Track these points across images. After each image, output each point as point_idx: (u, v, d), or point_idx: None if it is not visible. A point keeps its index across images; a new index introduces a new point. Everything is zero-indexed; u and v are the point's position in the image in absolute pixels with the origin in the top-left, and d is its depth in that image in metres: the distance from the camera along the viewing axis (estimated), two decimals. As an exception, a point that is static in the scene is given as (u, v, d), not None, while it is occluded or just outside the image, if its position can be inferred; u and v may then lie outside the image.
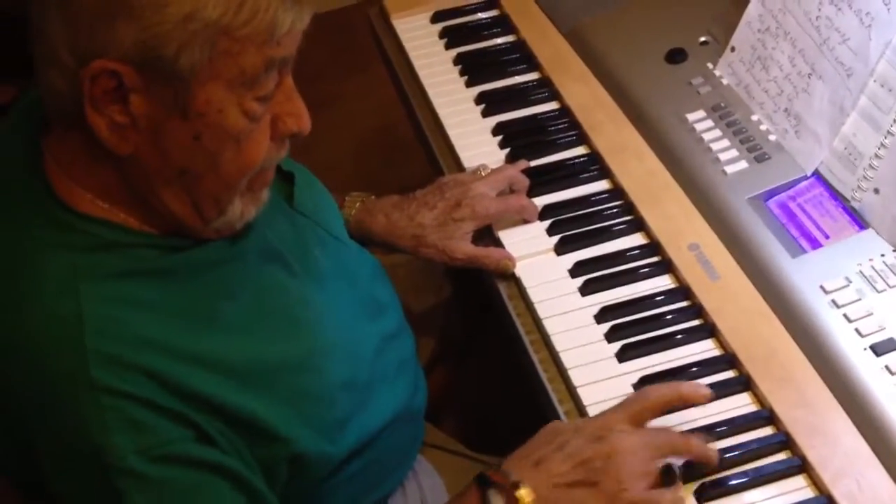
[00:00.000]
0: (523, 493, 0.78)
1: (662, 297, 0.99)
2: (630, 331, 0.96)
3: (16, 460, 0.77)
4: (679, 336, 0.95)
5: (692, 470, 0.84)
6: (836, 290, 0.92)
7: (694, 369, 0.92)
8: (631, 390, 0.91)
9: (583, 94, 1.21)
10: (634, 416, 0.83)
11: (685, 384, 0.86)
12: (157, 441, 0.71)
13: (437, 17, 1.37)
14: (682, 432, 0.84)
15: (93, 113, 0.69)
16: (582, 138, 1.18)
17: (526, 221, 1.09)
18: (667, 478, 0.81)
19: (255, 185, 0.78)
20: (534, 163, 1.16)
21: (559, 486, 0.79)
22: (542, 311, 1.01)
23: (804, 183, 1.03)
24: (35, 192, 0.74)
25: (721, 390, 0.90)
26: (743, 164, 1.06)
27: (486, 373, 1.27)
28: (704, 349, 0.95)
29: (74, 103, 0.69)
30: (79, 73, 0.68)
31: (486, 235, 1.10)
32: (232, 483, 0.75)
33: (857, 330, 0.89)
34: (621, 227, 1.07)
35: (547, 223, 1.09)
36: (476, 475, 0.82)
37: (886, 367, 0.86)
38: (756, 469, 0.85)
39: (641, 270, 1.02)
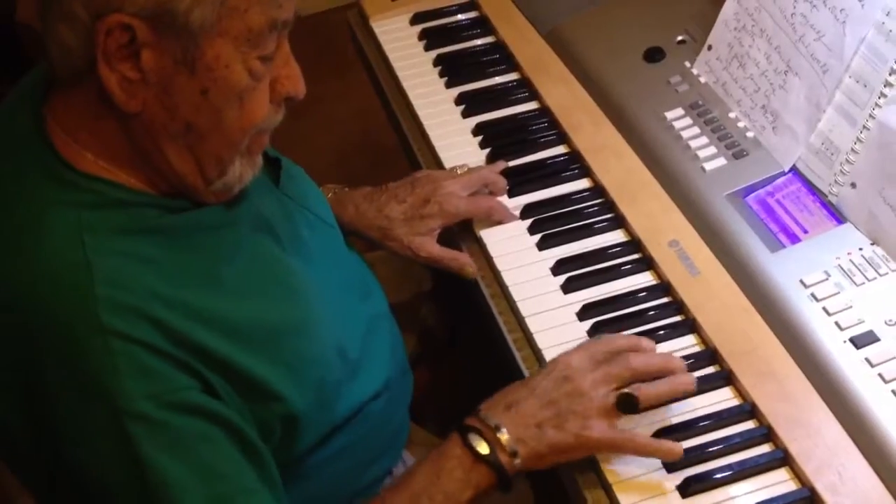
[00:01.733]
0: (502, 434, 0.83)
1: (644, 293, 1.00)
2: (612, 327, 0.96)
3: (27, 441, 0.77)
4: (661, 332, 0.96)
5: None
6: (815, 284, 0.93)
7: (676, 365, 0.93)
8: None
9: (562, 94, 1.22)
10: (596, 356, 0.87)
11: (644, 339, 0.91)
12: (166, 387, 0.72)
13: (416, 19, 1.37)
14: (642, 356, 0.88)
15: (105, 68, 0.71)
16: (562, 138, 1.18)
17: (500, 222, 1.09)
18: (626, 405, 0.84)
19: (254, 147, 0.80)
20: (514, 162, 1.16)
21: (530, 427, 0.84)
22: (524, 309, 1.01)
23: (782, 178, 1.04)
24: (38, 152, 0.76)
25: (703, 385, 0.90)
26: (721, 161, 1.07)
27: (469, 370, 1.27)
28: (686, 345, 0.95)
29: (84, 59, 0.71)
30: (93, 27, 0.69)
31: (468, 234, 1.10)
32: (232, 436, 0.76)
33: (836, 323, 0.90)
34: (602, 224, 1.08)
35: (528, 222, 1.09)
36: (457, 425, 0.85)
37: (866, 360, 0.87)
38: (739, 462, 0.85)
39: (622, 267, 1.03)
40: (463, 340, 1.30)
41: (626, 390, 0.85)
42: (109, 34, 0.69)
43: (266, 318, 0.80)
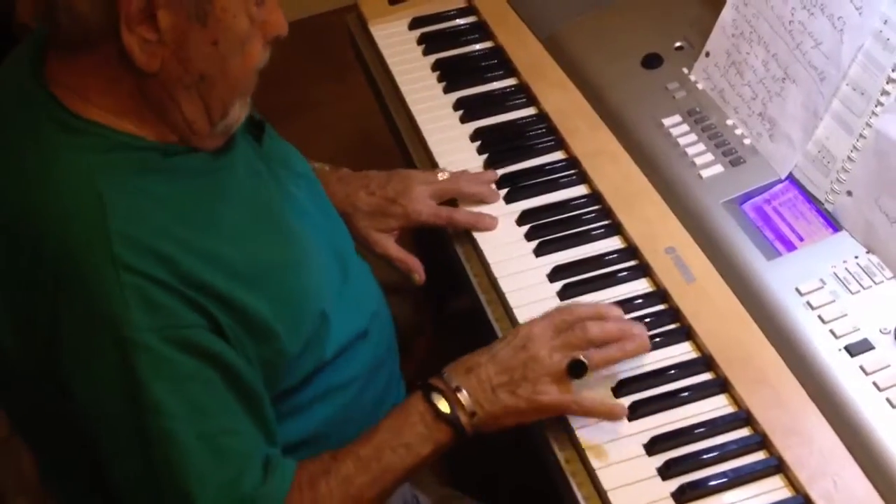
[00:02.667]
0: (462, 396, 0.87)
1: (640, 300, 1.00)
2: (608, 334, 0.96)
3: (25, 364, 0.80)
4: (657, 339, 0.96)
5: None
6: (810, 292, 0.93)
7: (671, 372, 0.93)
8: (609, 393, 0.91)
9: (560, 99, 1.22)
10: (558, 325, 0.90)
11: (609, 307, 0.94)
12: (171, 323, 0.76)
13: (414, 24, 1.37)
14: (598, 323, 0.90)
15: (127, 34, 0.74)
16: (559, 143, 1.18)
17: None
18: (575, 370, 0.87)
19: (249, 87, 0.85)
20: (512, 168, 1.16)
21: (486, 390, 0.88)
22: (520, 315, 1.01)
23: (779, 186, 1.05)
24: (43, 105, 0.79)
25: (699, 392, 0.91)
26: (718, 168, 1.07)
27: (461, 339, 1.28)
28: (682, 352, 0.95)
29: (99, 26, 0.74)
30: None
31: (465, 238, 1.10)
32: (228, 378, 0.79)
33: (831, 331, 0.90)
34: (599, 231, 1.08)
35: (525, 228, 1.09)
36: (419, 383, 0.90)
37: (861, 368, 0.87)
38: (734, 470, 0.85)
39: (619, 274, 1.03)
40: (450, 334, 1.30)
41: (577, 356, 0.87)
42: (129, 1, 0.73)
43: (263, 257, 0.83)
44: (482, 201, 1.12)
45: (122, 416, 0.76)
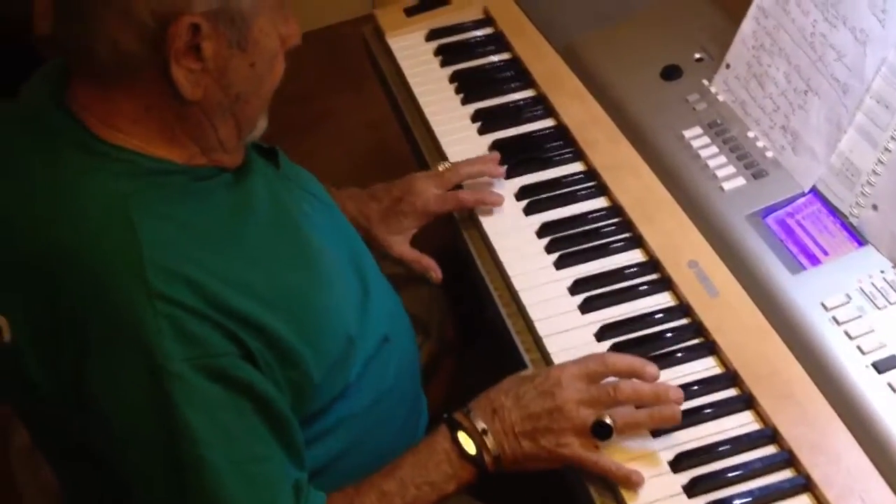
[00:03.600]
0: (488, 438, 0.87)
1: (662, 314, 0.99)
2: (631, 349, 0.95)
3: (51, 393, 0.79)
4: (680, 354, 0.95)
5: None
6: (836, 307, 0.92)
7: (696, 387, 0.92)
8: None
9: (578, 111, 1.21)
10: (591, 374, 0.89)
11: (649, 365, 0.90)
12: (205, 352, 0.76)
13: (432, 35, 1.37)
14: (632, 384, 0.88)
15: (175, 67, 0.75)
16: (578, 155, 1.18)
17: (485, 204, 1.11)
18: (600, 432, 0.86)
19: (270, 100, 0.87)
20: (531, 180, 1.16)
21: (509, 435, 0.87)
22: (542, 329, 1.00)
23: (802, 199, 1.04)
24: (68, 126, 0.79)
25: (724, 409, 0.90)
26: (740, 181, 1.07)
27: (484, 384, 1.27)
28: (706, 367, 0.94)
29: (145, 63, 0.75)
30: (162, 32, 0.74)
31: (485, 251, 1.10)
32: (258, 406, 0.79)
33: (858, 347, 0.89)
34: (620, 244, 1.07)
35: (545, 241, 1.09)
36: (445, 417, 0.89)
37: (889, 385, 0.87)
38: (760, 488, 0.84)
39: (641, 288, 1.02)
40: (477, 341, 1.30)
41: (603, 417, 0.86)
42: (178, 36, 0.74)
43: (287, 281, 0.83)
44: (487, 175, 1.13)
45: (154, 443, 0.76)
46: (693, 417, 0.90)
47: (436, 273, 1.12)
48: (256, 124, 0.86)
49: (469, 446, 0.87)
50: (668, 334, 0.97)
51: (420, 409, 1.07)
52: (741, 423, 0.89)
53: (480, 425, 0.87)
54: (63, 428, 0.82)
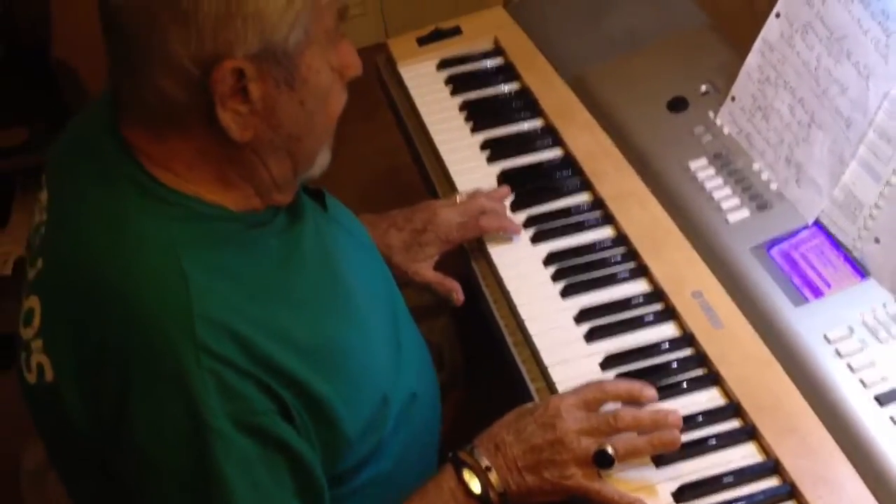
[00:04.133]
0: (492, 475, 0.87)
1: (666, 345, 1.00)
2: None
3: (87, 431, 0.79)
4: (684, 385, 0.96)
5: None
6: (839, 340, 0.93)
7: (699, 418, 0.93)
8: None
9: (587, 140, 1.23)
10: (589, 402, 0.89)
11: (646, 388, 0.91)
12: (246, 408, 0.76)
13: (442, 65, 1.40)
14: (631, 411, 0.89)
15: (222, 111, 0.75)
16: (586, 185, 1.19)
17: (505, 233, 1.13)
18: (601, 461, 0.86)
19: (332, 134, 0.86)
20: (538, 209, 1.17)
21: (513, 470, 0.88)
22: (547, 358, 1.01)
23: (806, 232, 1.05)
24: (125, 163, 0.79)
25: (726, 440, 0.91)
26: (745, 213, 1.08)
27: (491, 414, 1.27)
28: (709, 398, 0.95)
29: (192, 108, 0.75)
30: (206, 78, 0.73)
31: (492, 279, 1.12)
32: (292, 465, 0.79)
33: (861, 380, 0.90)
34: (625, 274, 1.08)
35: (552, 269, 1.10)
36: (450, 456, 0.90)
37: (891, 418, 0.87)
38: (763, 520, 0.85)
39: (646, 318, 1.03)
40: (479, 375, 1.30)
41: (604, 446, 0.87)
42: (222, 80, 0.74)
43: (329, 336, 0.83)
44: (505, 232, 1.14)
45: (186, 488, 0.76)
46: (696, 448, 0.90)
47: (458, 295, 1.12)
48: (315, 161, 0.84)
49: (474, 485, 0.87)
50: (673, 365, 0.98)
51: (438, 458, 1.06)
52: (744, 454, 0.90)
53: (484, 462, 0.88)
54: (89, 456, 0.81)
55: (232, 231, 0.80)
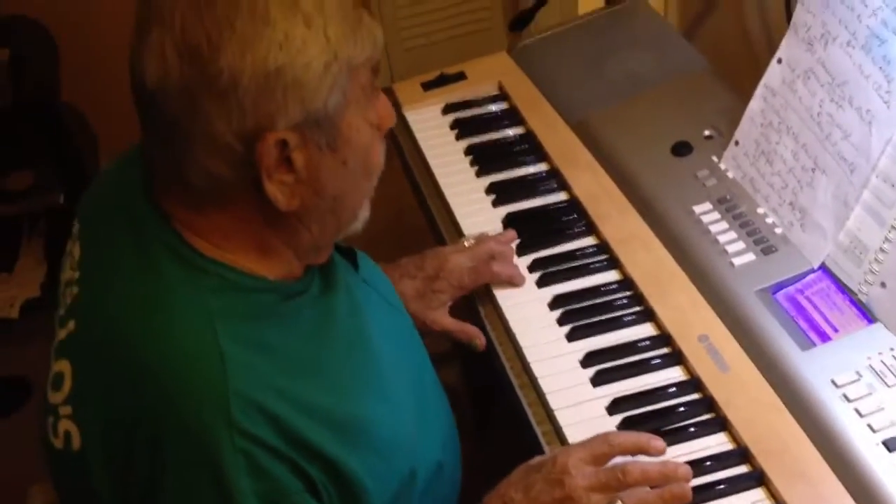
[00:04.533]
0: None
1: (673, 388, 1.00)
2: (642, 424, 0.96)
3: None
4: (692, 429, 0.96)
5: None
6: (846, 385, 0.93)
7: (707, 463, 0.92)
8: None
9: (590, 184, 1.24)
10: (597, 457, 0.88)
11: (655, 440, 0.90)
12: (276, 488, 0.74)
13: (448, 109, 1.41)
14: (640, 465, 0.87)
15: (268, 184, 0.75)
16: (590, 229, 1.20)
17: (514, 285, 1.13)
18: None
19: (373, 188, 0.85)
20: (543, 253, 1.18)
21: None
22: (553, 402, 1.01)
23: (811, 276, 1.05)
24: (162, 232, 0.78)
25: (735, 486, 0.90)
26: (750, 257, 1.08)
27: (501, 462, 1.27)
28: (717, 443, 0.95)
29: (237, 183, 0.75)
30: (250, 153, 0.73)
31: (498, 322, 1.12)
32: None
33: (869, 425, 0.90)
34: (631, 317, 1.09)
35: (558, 313, 1.10)
36: None
37: (900, 464, 0.87)
38: (772, 568, 0.84)
39: (652, 362, 1.03)
40: (493, 423, 1.30)
41: (614, 502, 0.85)
42: (267, 153, 0.73)
43: (359, 409, 0.82)
44: (513, 284, 1.14)
45: None
46: (704, 494, 0.90)
47: (480, 340, 1.11)
48: (358, 216, 0.84)
49: None
50: (680, 409, 0.98)
51: None
52: (752, 500, 0.89)
53: None
54: None
55: (269, 303, 0.79)
